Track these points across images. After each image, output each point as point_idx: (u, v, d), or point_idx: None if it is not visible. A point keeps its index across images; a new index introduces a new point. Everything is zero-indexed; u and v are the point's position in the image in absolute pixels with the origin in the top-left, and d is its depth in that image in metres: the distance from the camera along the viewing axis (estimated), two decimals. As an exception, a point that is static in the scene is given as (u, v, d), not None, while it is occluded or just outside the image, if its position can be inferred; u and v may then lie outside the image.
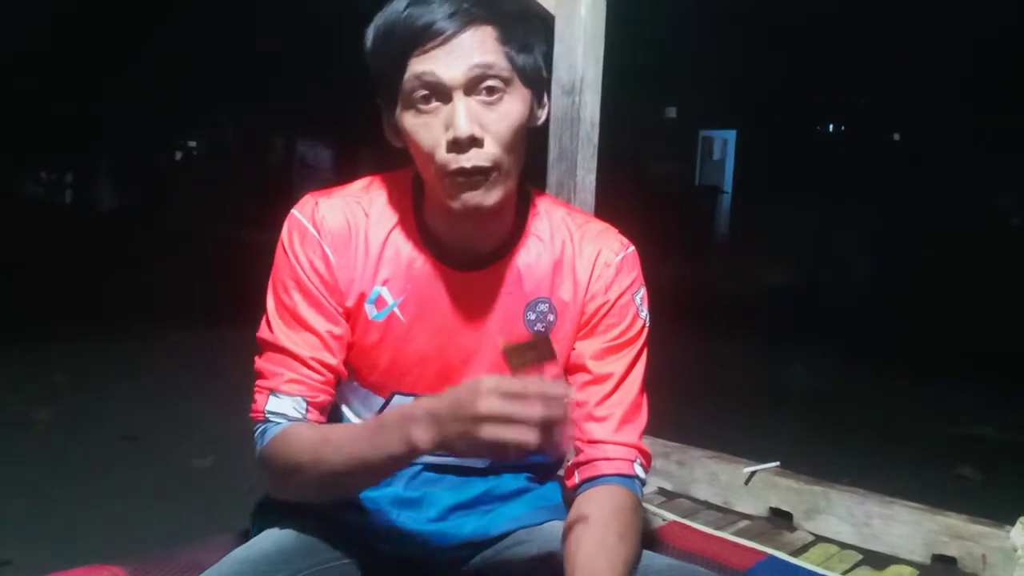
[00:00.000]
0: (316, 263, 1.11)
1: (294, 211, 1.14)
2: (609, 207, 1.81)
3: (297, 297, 1.12)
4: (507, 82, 1.02)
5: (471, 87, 1.00)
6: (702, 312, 6.39)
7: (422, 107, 1.01)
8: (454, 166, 1.01)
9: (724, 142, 16.72)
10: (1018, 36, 9.37)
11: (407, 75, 1.01)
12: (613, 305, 1.17)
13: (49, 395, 4.25)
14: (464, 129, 0.99)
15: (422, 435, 0.92)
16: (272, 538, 1.14)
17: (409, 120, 1.03)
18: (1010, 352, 5.69)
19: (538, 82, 1.09)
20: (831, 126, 16.28)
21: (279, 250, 1.14)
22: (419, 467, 1.20)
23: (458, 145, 1.00)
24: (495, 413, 0.85)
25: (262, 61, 11.50)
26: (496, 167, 1.03)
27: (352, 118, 12.13)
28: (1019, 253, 9.88)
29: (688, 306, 5.56)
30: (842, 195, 11.25)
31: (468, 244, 1.13)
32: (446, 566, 1.21)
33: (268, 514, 1.23)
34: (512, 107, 1.03)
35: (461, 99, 1.00)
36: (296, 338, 1.12)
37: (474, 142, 1.00)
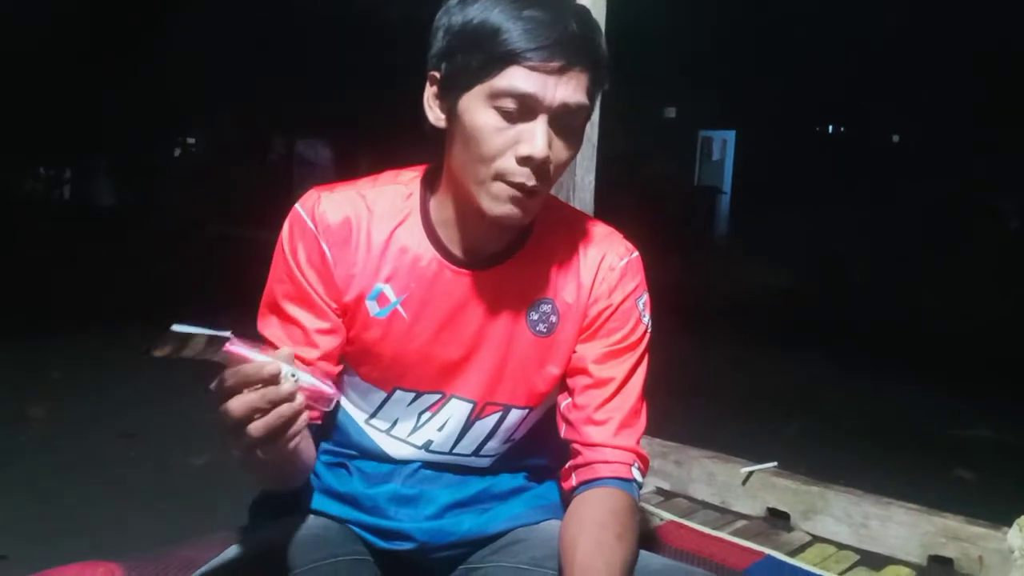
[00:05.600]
0: (311, 259, 1.11)
1: (296, 205, 1.14)
2: (608, 207, 1.82)
3: (287, 291, 1.12)
4: (581, 124, 1.07)
5: (555, 117, 1.02)
6: (700, 313, 6.39)
7: (505, 113, 1.01)
8: (519, 179, 1.02)
9: (724, 142, 16.69)
10: (1018, 38, 9.38)
11: (502, 79, 1.00)
12: (616, 309, 1.17)
13: (46, 392, 4.25)
14: (543, 152, 1.01)
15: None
16: (269, 536, 1.14)
17: (483, 117, 1.02)
18: (1007, 355, 5.69)
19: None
20: (831, 127, 16.27)
21: (278, 243, 1.14)
22: (417, 464, 1.20)
23: (530, 163, 1.02)
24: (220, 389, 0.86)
25: (262, 58, 11.48)
26: (546, 190, 1.06)
27: (353, 116, 12.16)
28: (1017, 256, 9.87)
29: (686, 307, 5.56)
30: (841, 196, 11.25)
31: (476, 244, 1.13)
32: (443, 564, 1.21)
33: (265, 511, 1.23)
34: (576, 143, 1.07)
35: (545, 122, 1.01)
36: (279, 332, 1.12)
37: (544, 164, 1.02)
